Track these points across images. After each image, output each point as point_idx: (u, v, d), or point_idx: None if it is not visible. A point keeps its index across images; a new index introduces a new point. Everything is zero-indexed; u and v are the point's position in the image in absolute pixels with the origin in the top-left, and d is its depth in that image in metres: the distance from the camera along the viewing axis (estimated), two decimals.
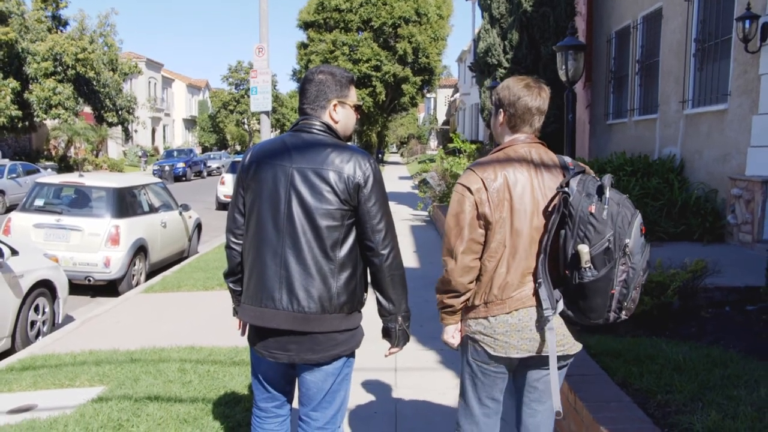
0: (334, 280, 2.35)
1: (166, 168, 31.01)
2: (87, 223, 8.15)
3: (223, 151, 53.12)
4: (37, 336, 6.24)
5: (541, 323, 2.29)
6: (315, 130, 2.43)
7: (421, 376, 4.68)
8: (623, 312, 2.24)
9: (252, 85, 13.45)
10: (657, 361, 3.76)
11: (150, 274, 9.03)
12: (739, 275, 5.85)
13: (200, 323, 6.29)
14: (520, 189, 2.30)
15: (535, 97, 2.37)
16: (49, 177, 10.43)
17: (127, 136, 39.25)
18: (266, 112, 13.48)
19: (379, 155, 44.12)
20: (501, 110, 2.44)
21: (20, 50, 29.11)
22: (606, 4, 13.50)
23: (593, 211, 2.14)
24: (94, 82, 31.99)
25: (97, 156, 35.02)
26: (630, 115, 12.11)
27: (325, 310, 2.34)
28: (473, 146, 15.14)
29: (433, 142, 66.36)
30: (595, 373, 3.53)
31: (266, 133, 13.60)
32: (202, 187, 26.93)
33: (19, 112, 28.46)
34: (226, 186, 17.75)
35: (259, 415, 2.66)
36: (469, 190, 2.31)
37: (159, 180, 10.65)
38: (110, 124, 34.60)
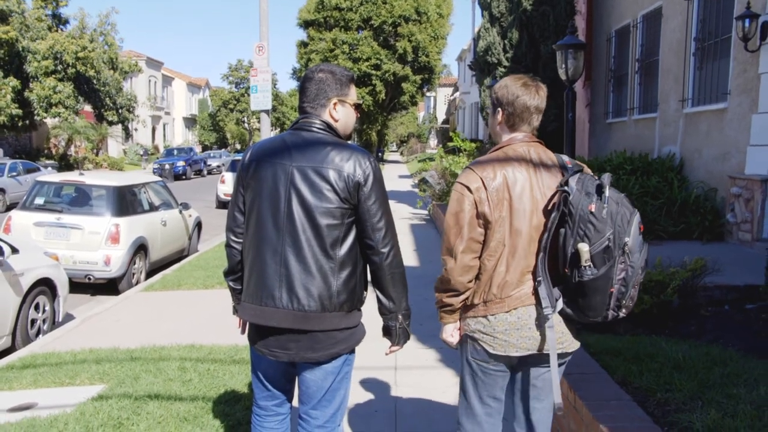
0: (334, 278, 2.35)
1: (167, 166, 30.99)
2: (87, 222, 8.15)
3: (223, 149, 53.14)
4: (37, 334, 6.24)
5: (541, 321, 2.30)
6: (315, 129, 2.44)
7: (421, 375, 4.68)
8: (622, 310, 2.25)
9: (252, 83, 13.44)
10: (657, 360, 3.77)
11: (150, 273, 9.03)
12: (738, 274, 5.86)
13: (200, 322, 6.30)
14: (519, 188, 2.30)
15: (533, 96, 2.38)
16: (50, 175, 10.44)
17: (128, 134, 39.27)
18: (266, 111, 13.47)
19: (379, 154, 44.08)
20: (499, 109, 2.44)
21: (21, 49, 29.10)
22: (606, 2, 13.49)
23: (593, 209, 2.14)
24: (95, 81, 31.97)
25: (97, 154, 35.00)
26: (630, 113, 12.11)
27: (325, 309, 2.34)
28: (473, 145, 15.13)
29: (433, 141, 66.36)
30: (595, 371, 3.53)
31: (266, 131, 13.60)
32: (203, 186, 26.93)
33: (20, 111, 28.45)
34: (226, 184, 17.75)
35: (259, 413, 2.66)
36: (469, 189, 2.31)
37: (159, 178, 10.66)
38: (110, 123, 34.59)
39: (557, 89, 11.07)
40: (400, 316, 2.47)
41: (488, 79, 15.66)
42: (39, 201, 8.47)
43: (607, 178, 2.19)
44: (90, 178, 8.81)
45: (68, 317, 6.99)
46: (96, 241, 8.05)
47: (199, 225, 11.15)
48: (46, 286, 6.37)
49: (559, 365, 2.39)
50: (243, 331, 2.65)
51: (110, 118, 33.85)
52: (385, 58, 31.54)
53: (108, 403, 4.03)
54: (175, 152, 36.91)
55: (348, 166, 2.33)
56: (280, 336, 2.38)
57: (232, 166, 19.64)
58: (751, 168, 7.90)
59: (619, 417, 2.90)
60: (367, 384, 4.47)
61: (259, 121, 16.08)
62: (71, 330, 6.23)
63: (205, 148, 55.74)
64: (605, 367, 3.62)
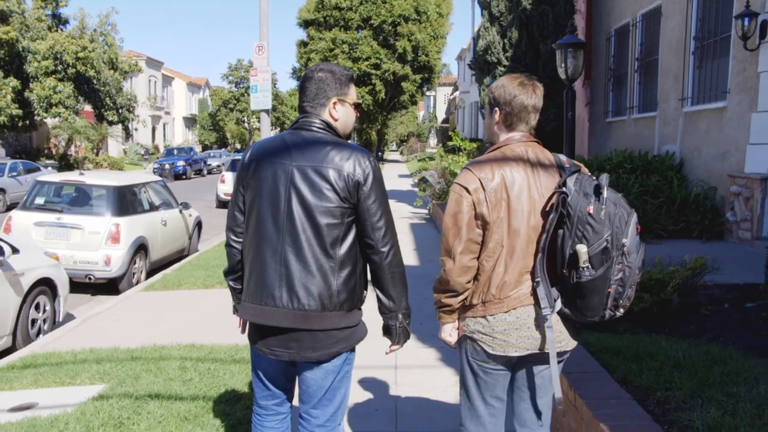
0: (334, 277, 2.35)
1: (167, 166, 30.99)
2: (87, 222, 8.16)
3: (223, 149, 53.15)
4: (37, 334, 6.25)
5: (540, 322, 2.31)
6: (315, 128, 2.44)
7: (422, 374, 4.69)
8: (619, 309, 2.26)
9: (252, 83, 13.43)
10: (656, 359, 3.77)
11: (150, 273, 9.03)
12: (738, 272, 5.86)
13: (201, 321, 6.30)
14: (518, 188, 2.30)
15: (530, 95, 2.38)
16: (50, 175, 10.44)
17: (128, 134, 39.27)
18: (266, 111, 13.47)
19: (379, 153, 44.06)
20: (497, 109, 2.44)
21: (21, 49, 29.10)
22: (605, 1, 13.49)
23: (591, 211, 2.15)
24: (95, 81, 31.97)
25: (97, 154, 34.99)
26: (629, 112, 12.11)
27: (325, 308, 2.35)
28: (473, 145, 15.13)
29: (433, 140, 66.35)
30: (595, 370, 3.53)
31: (266, 131, 13.60)
32: (203, 186, 26.93)
33: (20, 111, 28.45)
34: (227, 184, 17.75)
35: (259, 412, 2.66)
36: (467, 190, 2.31)
37: (159, 178, 10.66)
38: (110, 123, 34.59)
39: (557, 88, 11.07)
40: (400, 316, 2.47)
41: (488, 78, 15.66)
42: (39, 201, 8.48)
43: (604, 178, 2.19)
44: (90, 178, 8.81)
45: (69, 317, 7.00)
46: (96, 240, 8.06)
47: (199, 225, 11.16)
48: (46, 286, 6.37)
49: (558, 363, 2.40)
50: (243, 331, 2.65)
51: (110, 118, 33.86)
52: (385, 57, 31.53)
53: (108, 402, 4.03)
54: (175, 152, 36.90)
55: (348, 165, 2.34)
56: (281, 335, 2.38)
57: (232, 166, 19.64)
58: (750, 166, 7.91)
59: (619, 415, 2.91)
60: (368, 383, 4.48)
61: (259, 121, 16.08)
62: (72, 330, 6.23)
63: (205, 148, 55.75)
64: (605, 366, 3.62)
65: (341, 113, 2.51)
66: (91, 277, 8.03)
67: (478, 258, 2.35)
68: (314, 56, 31.22)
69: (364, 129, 37.98)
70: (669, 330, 4.76)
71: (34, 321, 6.20)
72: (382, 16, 31.12)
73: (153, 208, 9.28)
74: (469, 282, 2.37)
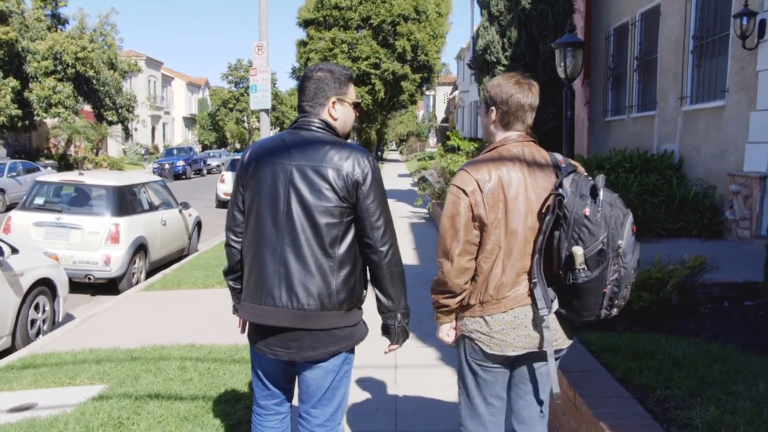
0: (333, 277, 2.35)
1: (166, 166, 31.00)
2: (87, 222, 8.16)
3: (222, 149, 53.17)
4: (37, 334, 6.25)
5: (537, 322, 2.32)
6: (314, 128, 2.44)
7: (421, 373, 4.69)
8: (614, 309, 2.28)
9: (251, 83, 13.43)
10: (656, 357, 3.77)
11: (150, 273, 9.04)
12: (737, 271, 5.86)
13: (200, 321, 6.30)
14: (515, 189, 2.30)
15: (526, 94, 2.38)
16: (49, 175, 10.43)
17: (127, 134, 39.23)
18: (266, 110, 13.46)
19: (379, 153, 44.05)
20: (493, 108, 2.44)
21: (20, 49, 29.09)
22: (604, 1, 13.49)
23: (587, 213, 2.15)
24: (94, 81, 31.97)
25: (97, 154, 34.99)
26: (628, 112, 12.11)
27: (324, 308, 2.35)
28: (473, 145, 15.12)
29: (433, 140, 66.39)
30: (595, 369, 3.53)
31: (266, 130, 13.59)
32: (202, 185, 26.93)
33: (19, 111, 28.44)
34: (226, 184, 17.75)
35: (259, 412, 2.67)
36: (464, 191, 2.31)
37: (159, 178, 10.66)
38: (110, 123, 34.59)
39: (556, 87, 11.08)
40: (399, 315, 2.47)
41: (487, 77, 15.65)
42: (39, 201, 8.48)
43: (600, 180, 2.19)
44: (90, 178, 8.82)
45: (68, 317, 7.00)
46: (96, 240, 8.06)
47: (198, 224, 11.16)
48: (46, 286, 6.37)
49: (555, 359, 2.42)
50: (243, 331, 2.65)
51: (110, 118, 33.86)
52: (384, 57, 31.54)
53: (108, 402, 4.03)
54: (175, 152, 36.94)
55: (347, 165, 2.34)
56: (280, 335, 2.38)
57: (232, 166, 19.66)
58: (749, 165, 7.91)
59: (618, 414, 2.91)
60: (367, 383, 4.48)
61: (258, 121, 16.09)
62: (71, 330, 6.24)
63: (204, 148, 55.76)
64: (605, 365, 3.62)
65: (340, 113, 2.51)
66: (91, 277, 8.03)
67: (475, 259, 2.35)
68: (314, 56, 31.23)
69: (363, 128, 38.01)
70: (668, 328, 4.76)
71: (33, 321, 6.20)
72: (381, 16, 31.13)
73: (153, 208, 9.28)
74: (467, 283, 2.37)
